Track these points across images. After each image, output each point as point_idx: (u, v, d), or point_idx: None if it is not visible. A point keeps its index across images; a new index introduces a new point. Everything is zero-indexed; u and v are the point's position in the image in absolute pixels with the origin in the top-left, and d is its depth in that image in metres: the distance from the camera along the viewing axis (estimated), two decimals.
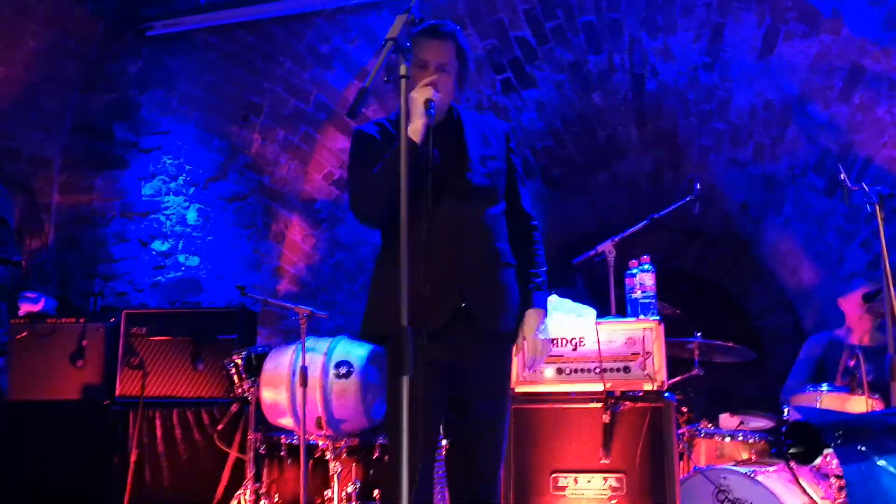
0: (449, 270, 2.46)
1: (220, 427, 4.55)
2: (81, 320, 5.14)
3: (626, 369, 3.44)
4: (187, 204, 5.81)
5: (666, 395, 3.40)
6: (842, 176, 3.51)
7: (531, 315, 2.64)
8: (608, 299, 3.96)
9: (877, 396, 3.62)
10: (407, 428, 1.82)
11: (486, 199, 2.59)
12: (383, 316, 2.48)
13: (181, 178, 5.83)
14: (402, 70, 2.04)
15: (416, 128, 2.37)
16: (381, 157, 2.43)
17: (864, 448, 2.12)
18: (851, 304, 4.48)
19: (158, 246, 5.84)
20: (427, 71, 2.51)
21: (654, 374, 3.40)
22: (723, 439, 3.92)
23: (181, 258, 5.79)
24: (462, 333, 2.48)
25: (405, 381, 1.85)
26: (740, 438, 3.90)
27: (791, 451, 2.72)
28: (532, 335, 2.62)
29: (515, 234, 2.69)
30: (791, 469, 3.29)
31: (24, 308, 5.34)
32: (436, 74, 2.50)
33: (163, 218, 5.84)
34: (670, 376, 3.68)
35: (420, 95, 2.39)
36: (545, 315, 2.67)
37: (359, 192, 2.54)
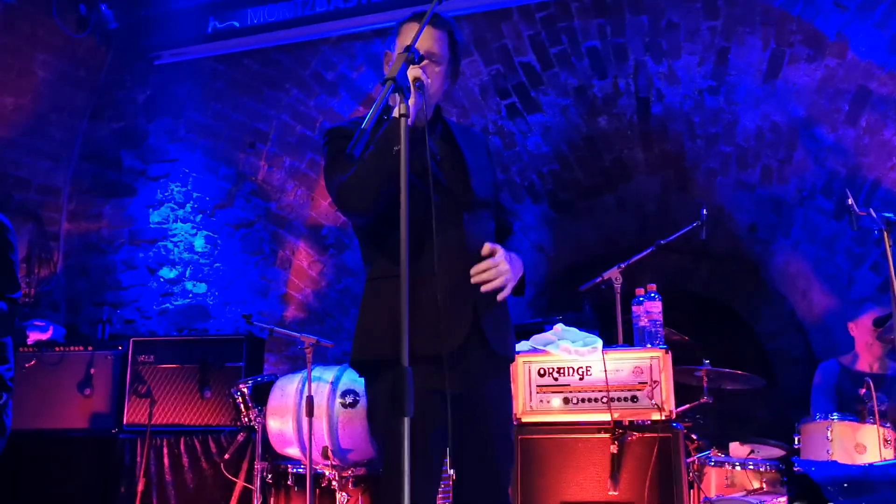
0: (462, 289, 2.28)
1: (227, 456, 4.54)
2: (89, 348, 5.16)
3: (634, 399, 3.41)
4: (195, 231, 5.83)
5: (674, 424, 3.37)
6: (849, 201, 3.48)
7: None
8: (615, 324, 3.94)
9: (888, 425, 3.57)
10: (408, 472, 1.76)
11: (489, 211, 2.48)
12: (378, 340, 2.29)
13: (189, 205, 5.85)
14: (402, 109, 1.99)
15: (405, 107, 2.01)
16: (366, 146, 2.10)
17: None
18: (861, 330, 4.42)
19: (166, 273, 5.85)
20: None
21: (662, 403, 3.37)
22: (733, 468, 3.87)
23: (189, 285, 5.80)
24: (473, 357, 2.31)
25: (406, 422, 1.79)
26: (751, 467, 3.85)
27: None
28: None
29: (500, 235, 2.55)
30: None
31: (33, 336, 5.36)
32: (425, 61, 2.26)
33: (170, 245, 5.85)
34: (679, 403, 3.65)
35: (410, 74, 2.10)
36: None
37: (347, 182, 2.26)
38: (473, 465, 2.36)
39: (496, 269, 2.29)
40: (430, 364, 2.15)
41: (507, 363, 2.49)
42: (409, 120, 1.99)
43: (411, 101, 2.05)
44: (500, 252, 2.32)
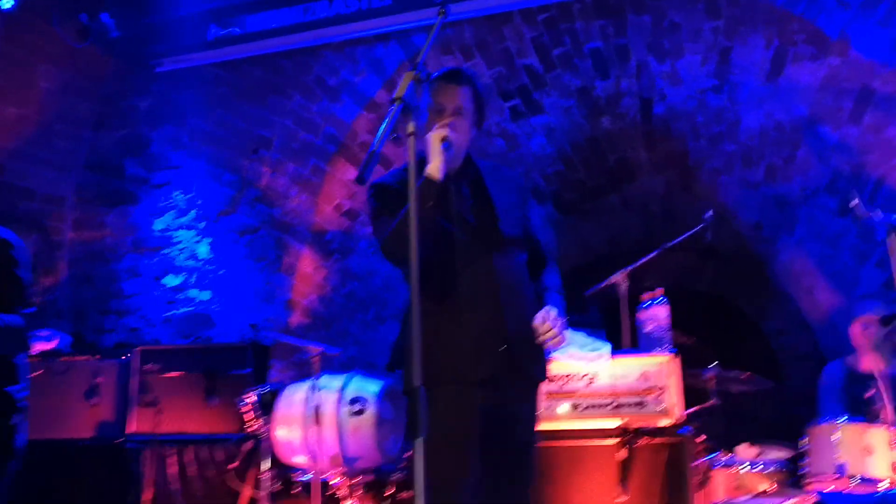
0: (493, 321, 2.49)
1: (234, 465, 4.54)
2: (96, 357, 5.15)
3: (641, 404, 3.41)
4: (199, 238, 5.83)
5: (682, 429, 3.37)
6: (853, 203, 3.47)
7: None
8: (621, 327, 3.94)
9: None
10: (423, 489, 1.82)
11: (518, 248, 2.65)
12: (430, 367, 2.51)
13: (192, 212, 5.85)
14: (410, 128, 2.02)
15: (435, 166, 2.41)
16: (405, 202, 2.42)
17: None
18: (862, 330, 4.40)
19: (171, 281, 5.85)
20: (444, 115, 2.56)
21: (670, 408, 3.37)
22: (741, 470, 3.86)
23: (193, 292, 5.80)
24: (507, 382, 2.51)
25: (419, 442, 1.86)
26: (759, 469, 3.85)
27: None
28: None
29: (536, 273, 2.74)
30: None
31: (38, 346, 5.35)
32: (452, 117, 2.55)
33: (175, 252, 5.85)
34: (687, 404, 3.65)
35: (436, 135, 2.44)
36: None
37: (389, 237, 2.50)
38: (499, 477, 2.53)
39: (555, 331, 2.48)
40: (465, 385, 2.44)
41: (537, 386, 2.66)
42: (440, 174, 2.39)
43: (441, 159, 2.40)
44: (550, 318, 2.48)
